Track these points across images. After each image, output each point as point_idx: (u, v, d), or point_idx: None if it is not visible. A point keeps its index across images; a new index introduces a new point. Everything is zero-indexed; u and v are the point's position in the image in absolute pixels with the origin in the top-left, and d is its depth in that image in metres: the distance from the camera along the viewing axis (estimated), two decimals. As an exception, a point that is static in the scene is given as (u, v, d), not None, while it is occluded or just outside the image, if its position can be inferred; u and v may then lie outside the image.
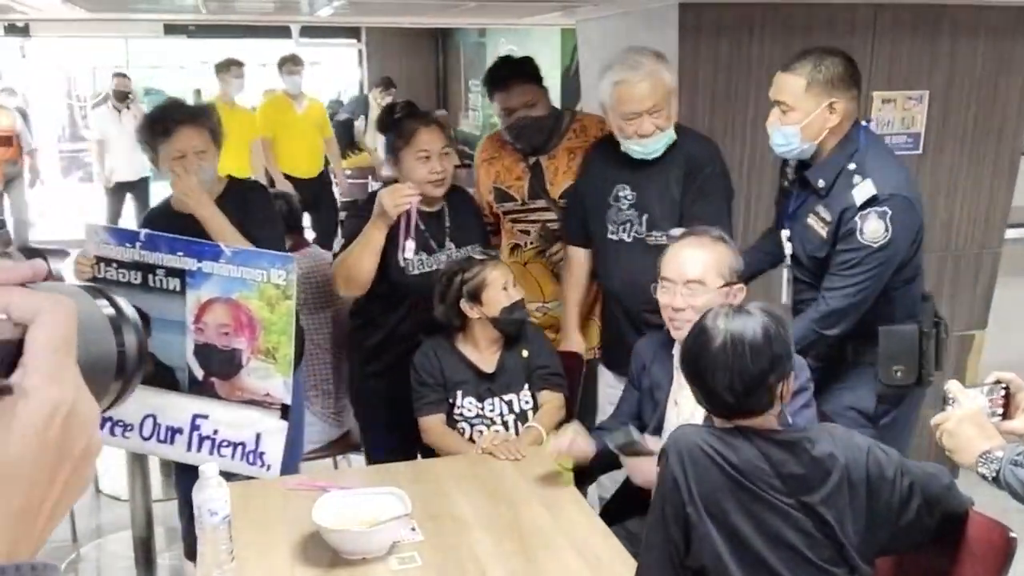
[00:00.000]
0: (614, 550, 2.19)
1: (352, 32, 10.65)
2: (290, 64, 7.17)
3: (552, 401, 2.83)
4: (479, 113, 6.33)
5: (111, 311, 0.59)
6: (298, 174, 6.90)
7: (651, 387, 2.56)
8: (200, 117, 2.89)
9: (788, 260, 2.83)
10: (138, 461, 3.27)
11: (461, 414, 2.80)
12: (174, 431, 2.79)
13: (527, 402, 2.83)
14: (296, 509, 2.31)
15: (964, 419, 1.85)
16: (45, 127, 13.26)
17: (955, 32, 3.64)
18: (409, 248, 2.89)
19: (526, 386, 2.84)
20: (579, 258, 3.13)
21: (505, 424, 2.81)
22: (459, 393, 2.79)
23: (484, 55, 9.03)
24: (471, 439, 2.79)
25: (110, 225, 2.81)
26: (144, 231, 2.75)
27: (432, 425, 2.78)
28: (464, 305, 2.78)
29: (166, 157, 2.80)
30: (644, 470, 2.29)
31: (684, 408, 2.40)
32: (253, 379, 2.73)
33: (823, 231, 2.66)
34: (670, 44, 3.41)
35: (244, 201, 2.91)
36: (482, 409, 2.80)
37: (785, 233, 2.81)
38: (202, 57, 14.77)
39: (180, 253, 2.70)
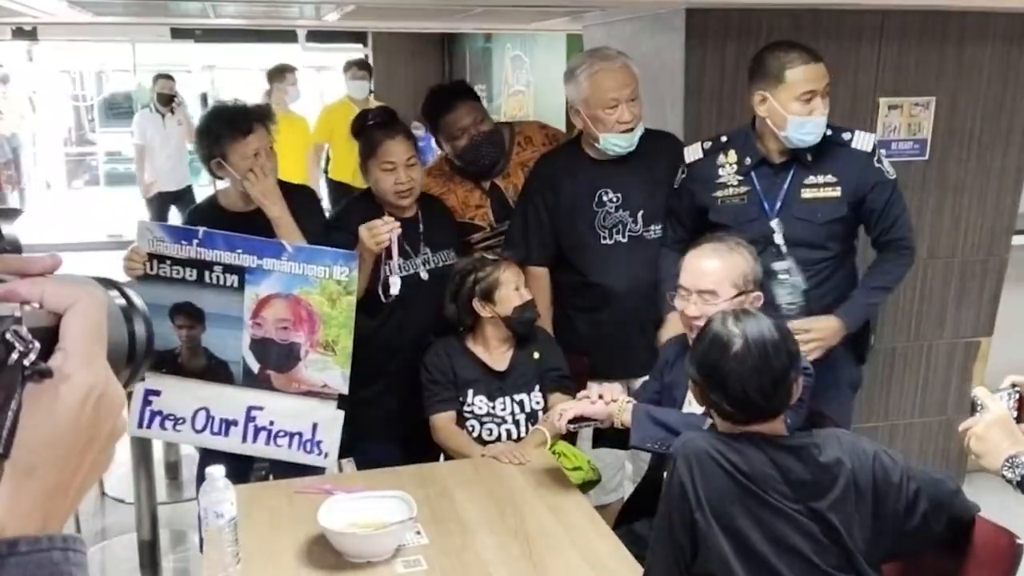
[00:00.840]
0: (619, 554, 2.19)
1: (358, 37, 10.66)
2: (355, 68, 6.94)
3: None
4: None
5: (122, 301, 0.62)
6: (354, 182, 6.31)
7: (671, 385, 2.59)
8: (269, 116, 2.95)
9: (785, 250, 2.81)
10: (143, 464, 3.28)
11: (472, 412, 2.81)
12: (228, 423, 2.83)
13: (538, 402, 2.85)
14: (302, 512, 2.31)
15: (993, 424, 1.83)
16: (51, 130, 13.31)
17: (963, 39, 3.64)
18: (395, 284, 2.89)
19: (537, 387, 2.85)
20: (545, 276, 3.12)
21: (516, 423, 2.82)
22: (470, 391, 2.81)
23: (490, 60, 9.04)
24: (479, 437, 2.80)
25: (166, 224, 2.82)
26: (202, 229, 2.77)
27: (443, 423, 2.79)
28: (476, 304, 2.79)
29: (242, 157, 2.81)
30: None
31: (697, 410, 2.41)
32: (311, 371, 2.81)
33: (834, 192, 2.79)
34: (676, 49, 3.41)
35: (291, 203, 2.91)
36: (493, 408, 2.81)
37: (777, 224, 2.80)
38: (208, 61, 14.83)
39: (239, 251, 2.75)
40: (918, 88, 3.66)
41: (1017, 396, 1.90)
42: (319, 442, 2.83)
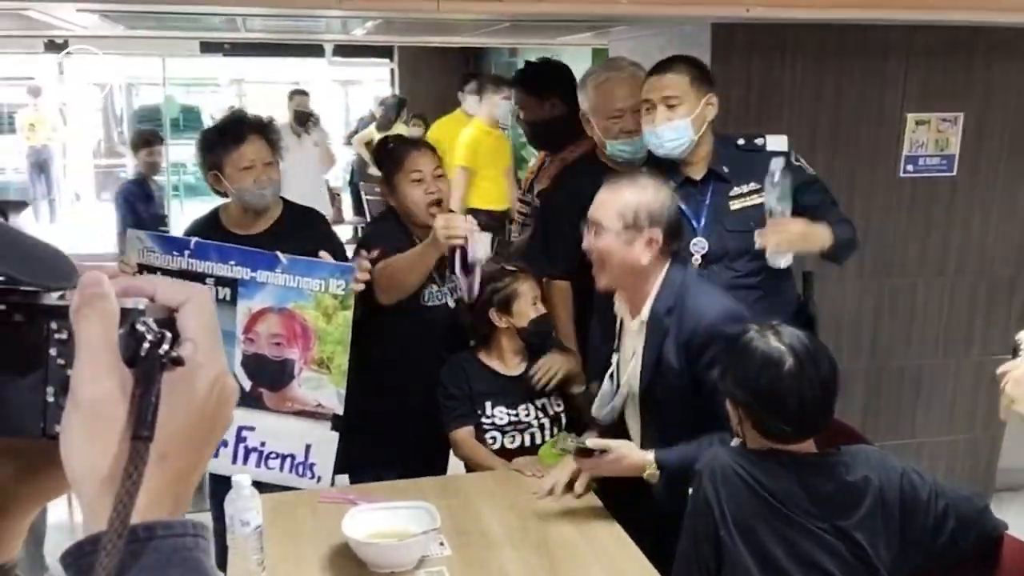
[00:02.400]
0: (641, 568, 2.18)
1: (384, 51, 10.74)
2: (494, 86, 6.06)
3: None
4: (509, 132, 6.36)
5: None
6: (491, 207, 5.66)
7: (599, 340, 2.60)
8: (269, 128, 2.91)
9: (698, 264, 2.71)
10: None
11: (492, 423, 2.80)
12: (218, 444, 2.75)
13: (559, 405, 2.84)
14: (326, 521, 2.32)
15: None
16: (81, 142, 13.48)
17: (990, 54, 3.62)
18: (463, 285, 2.82)
19: (556, 391, 2.85)
20: (567, 289, 3.10)
21: (541, 426, 2.82)
22: (488, 404, 2.80)
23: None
24: (503, 447, 2.79)
25: (155, 232, 2.74)
26: (194, 239, 2.69)
27: (463, 438, 2.79)
28: (493, 314, 2.79)
29: (235, 168, 2.76)
30: (605, 469, 2.36)
31: (626, 362, 2.44)
32: (304, 390, 2.71)
33: (759, 199, 2.70)
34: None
35: (301, 226, 2.91)
36: (516, 415, 2.81)
37: (699, 243, 2.74)
38: (236, 75, 14.98)
39: (232, 262, 2.65)
40: (946, 104, 3.64)
41: None
42: (312, 465, 2.73)
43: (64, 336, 0.52)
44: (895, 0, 3.10)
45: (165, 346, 0.53)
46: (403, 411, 2.94)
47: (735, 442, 2.13)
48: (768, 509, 1.85)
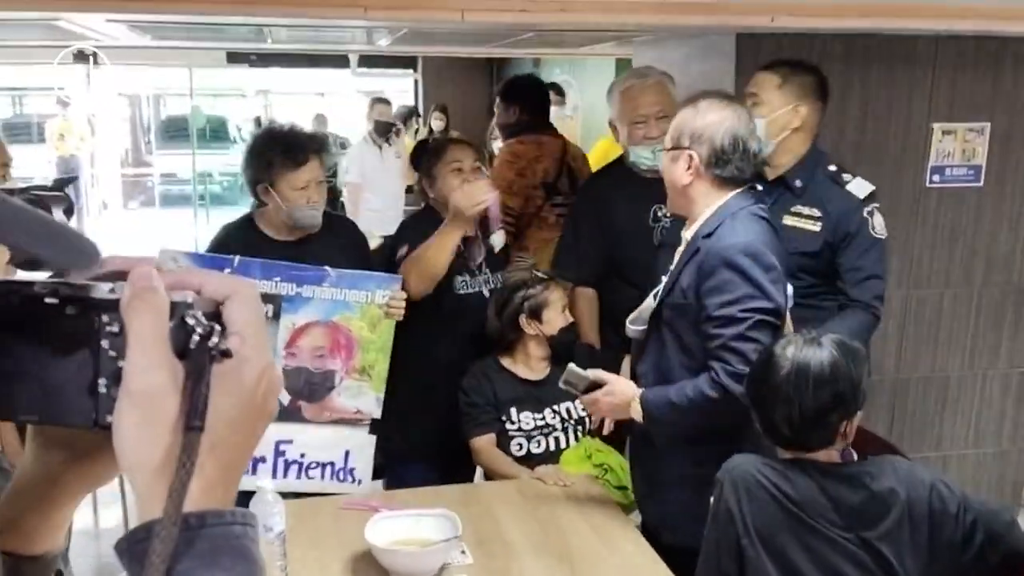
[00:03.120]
0: (665, 579, 2.17)
1: (408, 62, 10.81)
2: None
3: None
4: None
5: None
6: None
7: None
8: (325, 148, 2.93)
9: None
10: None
11: (519, 429, 2.80)
12: (256, 460, 2.69)
13: (583, 409, 2.83)
14: (349, 528, 2.33)
15: None
16: (109, 152, 13.62)
17: (1018, 64, 3.59)
18: (499, 238, 2.89)
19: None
20: (594, 296, 3.14)
21: (565, 430, 2.83)
22: (513, 410, 2.80)
23: (538, 85, 9.09)
24: (528, 452, 2.80)
25: (190, 251, 2.69)
26: (237, 257, 2.63)
27: (483, 446, 2.79)
28: (523, 321, 2.80)
29: (291, 187, 2.76)
30: (602, 404, 2.37)
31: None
32: (344, 399, 2.74)
33: (814, 226, 2.71)
34: (727, 75, 3.41)
35: (335, 233, 2.94)
36: (542, 419, 2.81)
37: None
38: (261, 86, 15.12)
39: (277, 279, 2.63)
40: (972, 114, 3.62)
41: None
42: (352, 469, 2.77)
43: (116, 329, 0.54)
44: (921, 10, 3.08)
45: (214, 339, 0.54)
46: (434, 404, 2.96)
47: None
48: (792, 519, 1.84)
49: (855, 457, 1.98)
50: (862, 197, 2.71)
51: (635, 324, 2.43)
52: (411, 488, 2.70)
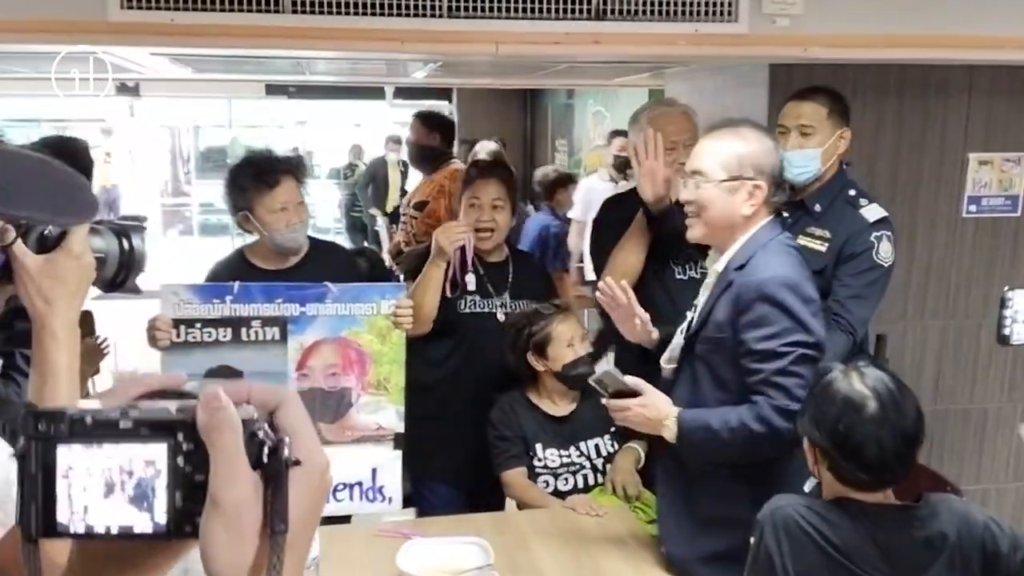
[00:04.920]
0: (698, 610, 2.15)
1: (443, 93, 10.92)
2: None
3: (629, 455, 2.78)
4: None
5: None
6: None
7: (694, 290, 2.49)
8: (300, 168, 2.95)
9: None
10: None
11: (545, 466, 2.79)
12: None
13: (613, 446, 2.82)
14: (381, 554, 2.33)
15: None
16: (149, 182, 13.88)
17: (1055, 93, 3.57)
18: (470, 280, 2.94)
19: (612, 430, 2.80)
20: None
21: (594, 467, 2.80)
22: (539, 446, 2.79)
23: (572, 116, 9.15)
24: (556, 490, 2.78)
25: (191, 284, 2.68)
26: (237, 283, 2.63)
27: (514, 479, 2.78)
28: (531, 357, 2.80)
29: (268, 210, 2.78)
30: (633, 414, 2.23)
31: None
32: (363, 415, 2.71)
33: (821, 246, 2.77)
34: (760, 104, 3.42)
35: (327, 259, 2.96)
36: (568, 456, 2.79)
37: None
38: (299, 117, 15.35)
39: (280, 300, 2.62)
40: (1010, 143, 3.59)
41: None
42: (381, 488, 2.72)
43: (191, 447, 0.58)
44: (954, 40, 3.08)
45: (285, 451, 0.59)
46: (459, 425, 2.96)
47: (810, 484, 2.06)
48: (834, 564, 1.78)
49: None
50: (872, 220, 2.76)
51: (669, 363, 2.39)
52: (443, 515, 2.70)
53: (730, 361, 2.20)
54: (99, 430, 0.58)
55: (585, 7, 2.92)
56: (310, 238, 2.98)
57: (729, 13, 3.00)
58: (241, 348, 2.61)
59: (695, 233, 2.27)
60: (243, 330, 2.62)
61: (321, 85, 8.47)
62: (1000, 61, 3.34)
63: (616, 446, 2.82)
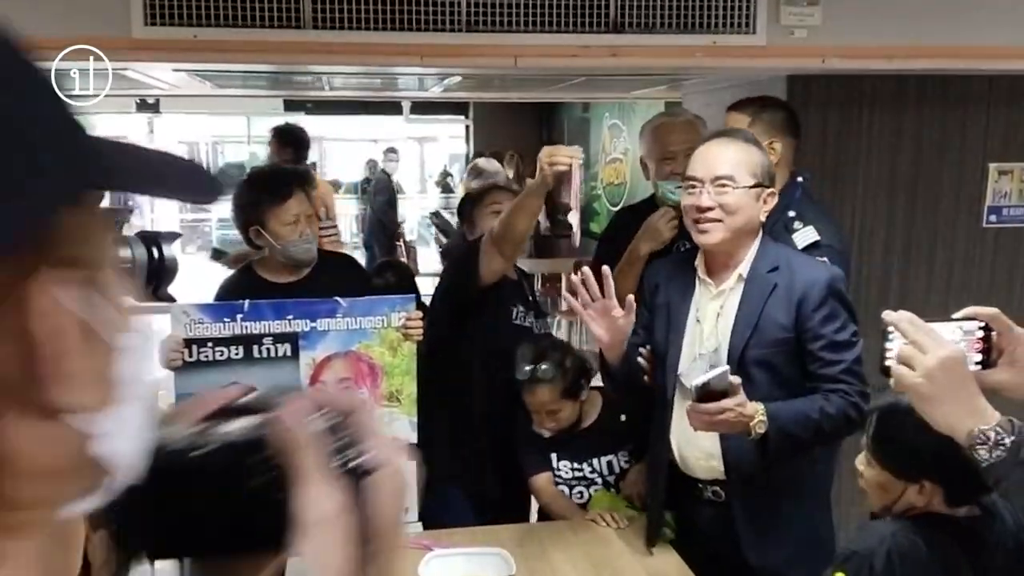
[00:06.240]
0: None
1: (460, 108, 10.98)
2: None
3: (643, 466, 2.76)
4: (583, 185, 6.47)
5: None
6: None
7: (667, 304, 2.42)
8: (309, 181, 3.05)
9: None
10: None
11: (560, 476, 2.79)
12: None
13: (627, 462, 2.81)
14: (402, 566, 2.33)
15: (950, 362, 1.34)
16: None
17: (1076, 103, 3.56)
18: (573, 216, 2.83)
19: (628, 447, 2.80)
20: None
21: (607, 484, 2.79)
22: (554, 456, 2.79)
23: (588, 129, 9.17)
24: None
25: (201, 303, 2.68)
26: (247, 301, 2.63)
27: (542, 485, 2.79)
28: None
29: (281, 223, 2.79)
30: (729, 415, 2.11)
31: (706, 326, 2.33)
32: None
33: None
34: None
35: (337, 270, 2.98)
36: (580, 469, 2.79)
37: None
38: (317, 133, 15.43)
39: (291, 316, 2.63)
40: (1030, 153, 3.58)
41: (980, 334, 1.52)
42: None
43: (265, 464, 0.59)
44: (972, 51, 3.08)
45: (364, 458, 0.60)
46: (489, 435, 2.94)
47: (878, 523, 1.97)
48: None
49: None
50: (800, 247, 2.57)
51: (707, 377, 2.22)
52: (463, 528, 2.69)
53: (793, 359, 2.27)
54: (170, 467, 0.58)
55: (603, 20, 2.94)
56: (319, 250, 3.00)
57: (747, 25, 3.01)
58: (253, 365, 2.61)
59: (714, 238, 2.26)
60: (255, 347, 2.63)
61: (339, 100, 8.52)
62: (1019, 71, 3.33)
63: (629, 463, 2.80)
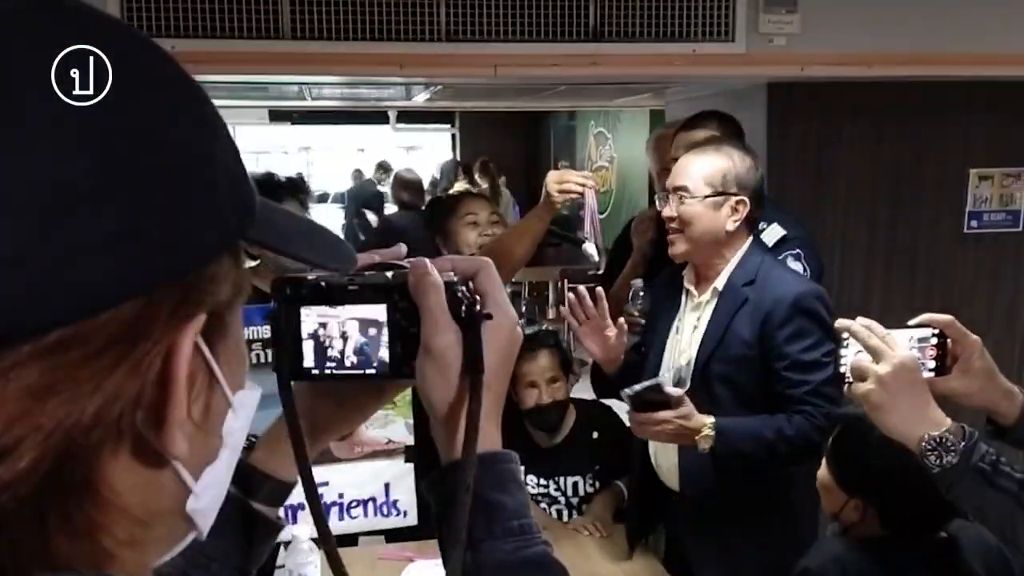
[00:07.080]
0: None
1: (446, 117, 10.99)
2: None
3: (612, 490, 2.74)
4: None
5: None
6: None
7: (658, 314, 2.43)
8: (301, 189, 2.89)
9: None
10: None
11: None
12: (294, 509, 2.54)
13: (592, 486, 2.76)
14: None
15: (903, 370, 1.35)
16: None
17: (1054, 108, 3.58)
18: (590, 250, 2.62)
19: (596, 468, 2.76)
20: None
21: (569, 504, 2.75)
22: (521, 469, 2.74)
23: (573, 138, 9.20)
24: None
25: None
26: (272, 303, 2.61)
27: None
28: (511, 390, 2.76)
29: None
30: (671, 426, 2.08)
31: (683, 337, 2.29)
32: (373, 431, 2.69)
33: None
34: (759, 125, 3.43)
35: None
36: (546, 487, 2.76)
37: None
38: (303, 143, 15.43)
39: None
40: (1010, 158, 3.60)
41: (935, 341, 1.53)
42: (395, 502, 2.71)
43: (405, 304, 0.71)
44: (952, 57, 3.10)
45: (479, 306, 0.70)
46: None
47: (830, 529, 1.96)
48: None
49: None
50: (771, 244, 2.52)
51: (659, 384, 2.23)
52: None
53: (756, 378, 2.18)
54: (333, 293, 0.73)
55: (583, 29, 2.95)
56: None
57: (726, 33, 3.03)
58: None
59: (678, 250, 2.24)
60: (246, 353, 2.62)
61: (325, 110, 8.52)
62: (997, 77, 3.36)
63: (596, 486, 2.77)
